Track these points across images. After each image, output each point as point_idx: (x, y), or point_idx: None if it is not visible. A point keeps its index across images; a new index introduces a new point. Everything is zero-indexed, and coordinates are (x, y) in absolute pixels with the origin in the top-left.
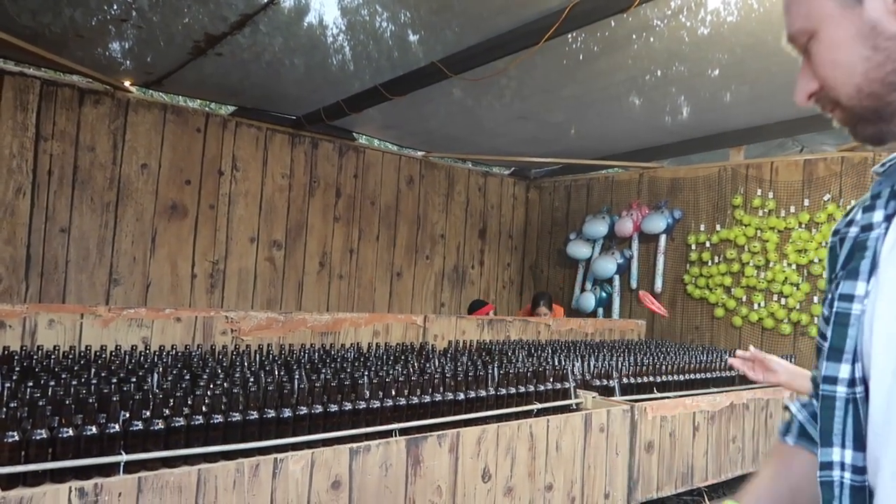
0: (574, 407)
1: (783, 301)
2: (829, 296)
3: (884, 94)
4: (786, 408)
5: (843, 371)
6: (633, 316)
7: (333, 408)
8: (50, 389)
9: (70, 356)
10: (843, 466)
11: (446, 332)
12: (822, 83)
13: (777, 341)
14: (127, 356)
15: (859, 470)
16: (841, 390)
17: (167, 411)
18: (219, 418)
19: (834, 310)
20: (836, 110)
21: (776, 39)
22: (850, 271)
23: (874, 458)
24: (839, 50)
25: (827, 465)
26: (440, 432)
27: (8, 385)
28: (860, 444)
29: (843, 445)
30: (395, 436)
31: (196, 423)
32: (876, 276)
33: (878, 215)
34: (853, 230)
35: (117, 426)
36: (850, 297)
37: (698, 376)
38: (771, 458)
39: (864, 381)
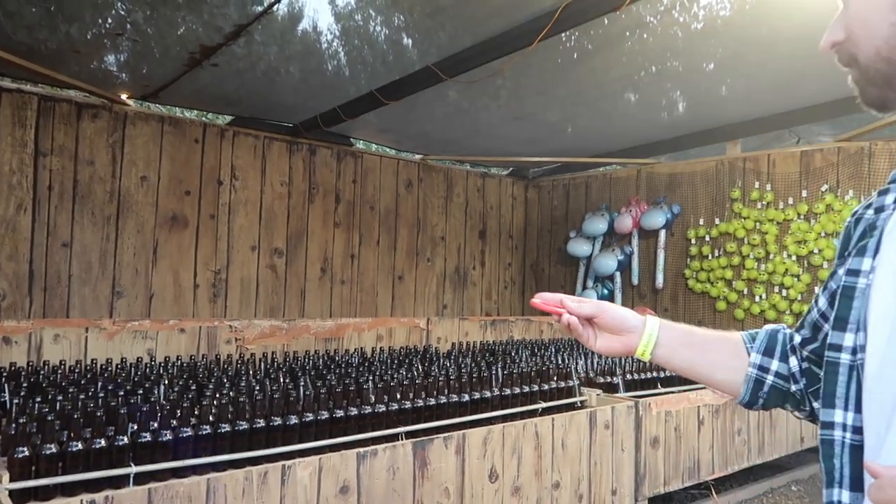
0: (579, 405)
1: (784, 292)
2: (837, 270)
3: None
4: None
5: (847, 339)
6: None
7: (339, 413)
8: (58, 404)
9: (76, 370)
10: (844, 427)
11: (449, 334)
12: (848, 35)
13: None
14: (133, 368)
15: (859, 430)
16: (845, 357)
17: (175, 422)
18: (226, 427)
19: (842, 283)
20: (852, 66)
21: (770, 32)
22: (860, 248)
23: (868, 416)
24: (873, 9)
25: (829, 425)
26: (446, 434)
27: (16, 401)
28: (860, 407)
29: (845, 408)
30: (402, 439)
31: (203, 432)
32: (880, 253)
33: (889, 198)
34: (869, 213)
35: (126, 438)
36: (856, 272)
37: None
38: (720, 331)
39: (865, 350)
